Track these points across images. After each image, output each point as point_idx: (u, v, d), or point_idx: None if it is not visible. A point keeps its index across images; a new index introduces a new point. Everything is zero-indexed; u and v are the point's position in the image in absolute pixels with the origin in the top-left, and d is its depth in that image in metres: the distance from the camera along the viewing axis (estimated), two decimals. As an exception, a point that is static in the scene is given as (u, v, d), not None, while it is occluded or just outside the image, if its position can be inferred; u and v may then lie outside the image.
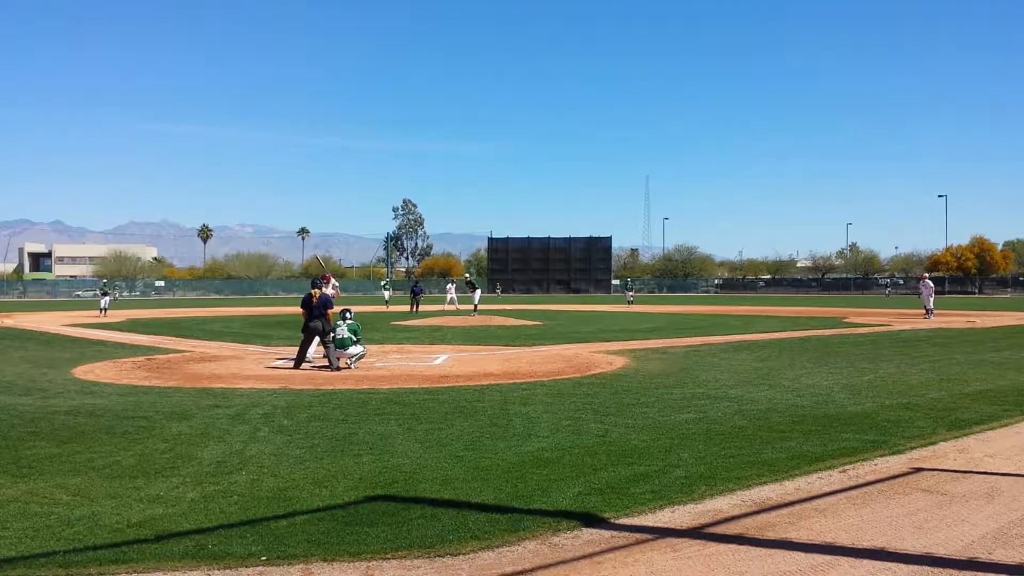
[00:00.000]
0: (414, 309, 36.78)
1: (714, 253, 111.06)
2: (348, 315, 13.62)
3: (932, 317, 28.22)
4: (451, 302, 38.24)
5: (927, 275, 33.11)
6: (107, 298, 35.51)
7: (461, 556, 4.37)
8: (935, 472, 6.27)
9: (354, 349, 13.19)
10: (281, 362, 14.26)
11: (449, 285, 40.92)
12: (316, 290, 13.69)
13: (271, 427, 7.99)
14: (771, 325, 25.73)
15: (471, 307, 33.47)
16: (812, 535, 4.73)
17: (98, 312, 34.95)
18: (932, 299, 29.34)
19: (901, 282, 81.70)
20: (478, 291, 33.96)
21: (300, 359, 13.44)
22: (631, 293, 47.63)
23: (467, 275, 35.49)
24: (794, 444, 7.18)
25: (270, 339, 20.21)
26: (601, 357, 15.17)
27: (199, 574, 4.13)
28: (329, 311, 13.49)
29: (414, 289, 40.15)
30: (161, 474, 6.09)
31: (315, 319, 13.35)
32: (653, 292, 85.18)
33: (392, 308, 41.85)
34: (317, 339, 13.61)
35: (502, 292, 66.96)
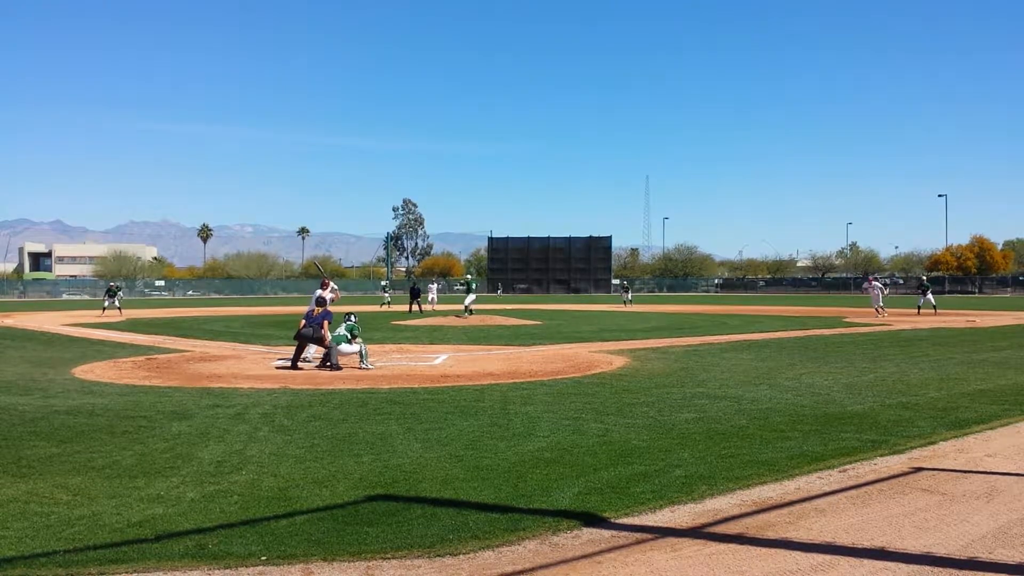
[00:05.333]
0: (417, 308, 36.81)
1: (714, 253, 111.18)
2: (351, 318, 13.79)
3: (885, 315, 29.58)
4: (432, 302, 39.41)
5: (874, 278, 35.69)
6: (112, 299, 35.06)
7: (461, 556, 4.38)
8: (935, 472, 6.27)
9: (347, 347, 13.24)
10: (281, 362, 14.26)
11: (431, 285, 41.76)
12: (319, 307, 13.85)
13: (271, 427, 7.99)
14: (771, 325, 25.73)
15: (461, 307, 32.98)
16: (812, 535, 4.73)
17: (116, 312, 34.44)
18: (882, 298, 30.66)
19: (901, 281, 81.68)
20: (471, 295, 32.29)
21: (296, 360, 13.45)
22: (629, 294, 46.90)
23: (469, 275, 34.69)
24: (794, 444, 7.18)
25: (270, 339, 20.21)
26: (601, 357, 15.17)
27: (199, 574, 4.13)
28: (327, 322, 13.53)
29: (412, 289, 40.19)
30: (161, 474, 6.09)
31: (307, 327, 13.42)
32: (653, 292, 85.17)
33: (394, 308, 41.75)
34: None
35: (502, 292, 66.83)
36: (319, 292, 14.73)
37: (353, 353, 13.32)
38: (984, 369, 12.96)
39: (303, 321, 13.62)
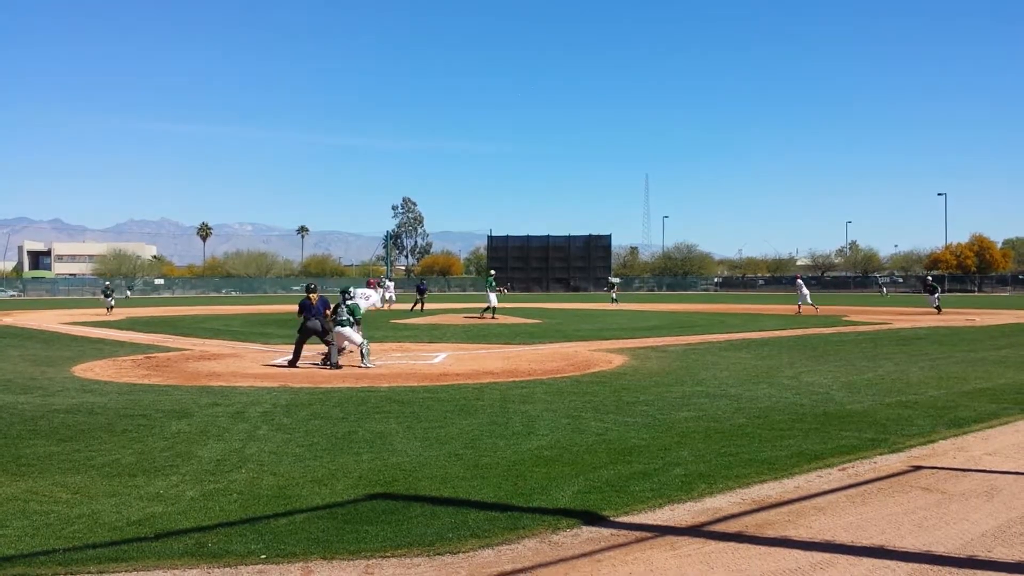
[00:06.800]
0: (419, 307, 36.60)
1: (713, 251, 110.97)
2: (349, 295, 13.82)
3: (817, 311, 32.02)
4: (390, 300, 40.05)
5: (800, 276, 40.50)
6: (110, 299, 35.72)
7: (461, 554, 4.38)
8: (934, 470, 6.28)
9: (351, 332, 13.26)
10: (281, 360, 14.26)
11: (388, 283, 42.40)
12: (313, 295, 13.88)
13: (270, 425, 7.99)
14: (770, 323, 25.73)
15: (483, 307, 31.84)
16: (811, 533, 4.74)
17: (105, 311, 35.02)
18: (809, 297, 33.18)
19: (900, 280, 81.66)
20: (492, 294, 30.44)
21: (296, 358, 13.45)
22: (614, 292, 47.48)
23: (493, 279, 31.94)
24: (793, 442, 7.18)
25: (269, 337, 20.20)
26: (600, 355, 15.17)
27: (199, 572, 4.13)
28: (328, 312, 13.61)
29: (419, 287, 40.10)
30: (161, 472, 6.09)
31: (313, 318, 13.43)
32: (653, 290, 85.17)
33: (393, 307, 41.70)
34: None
35: (509, 291, 66.39)
36: (365, 290, 15.96)
37: (356, 345, 13.33)
38: (983, 368, 12.96)
39: (302, 315, 13.62)
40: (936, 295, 31.79)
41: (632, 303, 47.16)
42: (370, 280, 16.49)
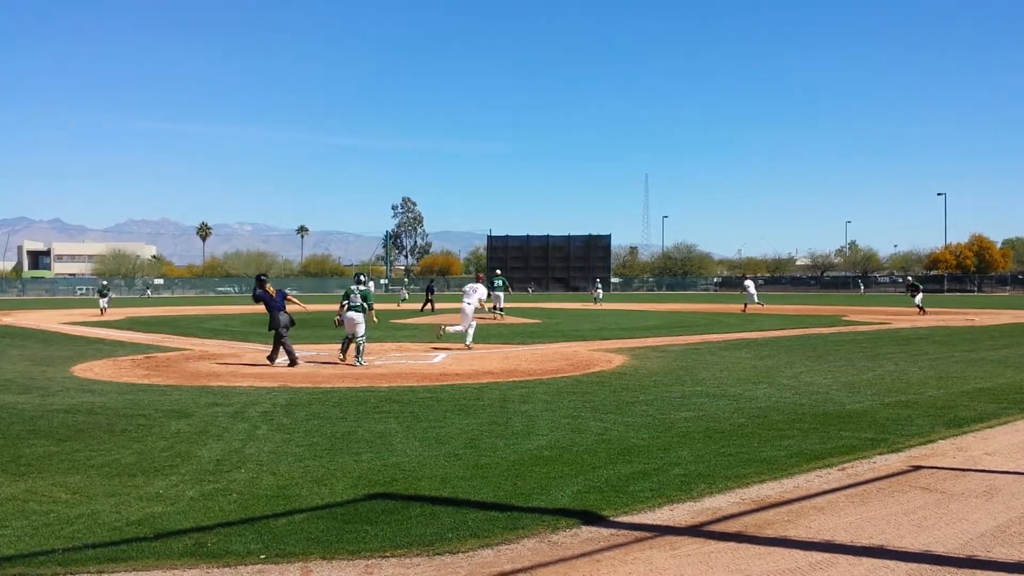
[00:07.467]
0: (430, 307, 36.47)
1: (713, 251, 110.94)
2: (363, 279, 14.14)
3: (763, 307, 33.80)
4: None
5: (748, 276, 43.36)
6: (105, 299, 35.66)
7: (460, 554, 4.38)
8: (934, 470, 6.28)
9: (359, 317, 13.35)
10: (280, 360, 14.25)
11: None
12: (270, 286, 14.00)
13: (270, 425, 7.99)
14: (770, 323, 25.73)
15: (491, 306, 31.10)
16: (811, 533, 4.74)
17: (98, 311, 35.09)
18: (756, 295, 34.49)
19: (900, 280, 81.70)
20: (499, 294, 29.96)
21: (293, 356, 13.44)
22: (599, 292, 47.84)
23: (499, 279, 30.64)
24: (793, 442, 7.18)
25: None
26: (600, 355, 15.17)
27: (198, 572, 4.12)
28: (288, 301, 13.89)
29: (429, 287, 40.08)
30: (160, 472, 6.08)
31: (278, 310, 13.51)
32: (652, 291, 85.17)
33: (403, 307, 41.95)
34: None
35: (533, 290, 66.25)
36: (475, 285, 17.35)
37: (359, 336, 13.35)
38: (983, 368, 12.96)
39: (261, 304, 13.70)
40: (919, 296, 31.10)
41: (631, 303, 47.26)
42: (479, 275, 17.01)
